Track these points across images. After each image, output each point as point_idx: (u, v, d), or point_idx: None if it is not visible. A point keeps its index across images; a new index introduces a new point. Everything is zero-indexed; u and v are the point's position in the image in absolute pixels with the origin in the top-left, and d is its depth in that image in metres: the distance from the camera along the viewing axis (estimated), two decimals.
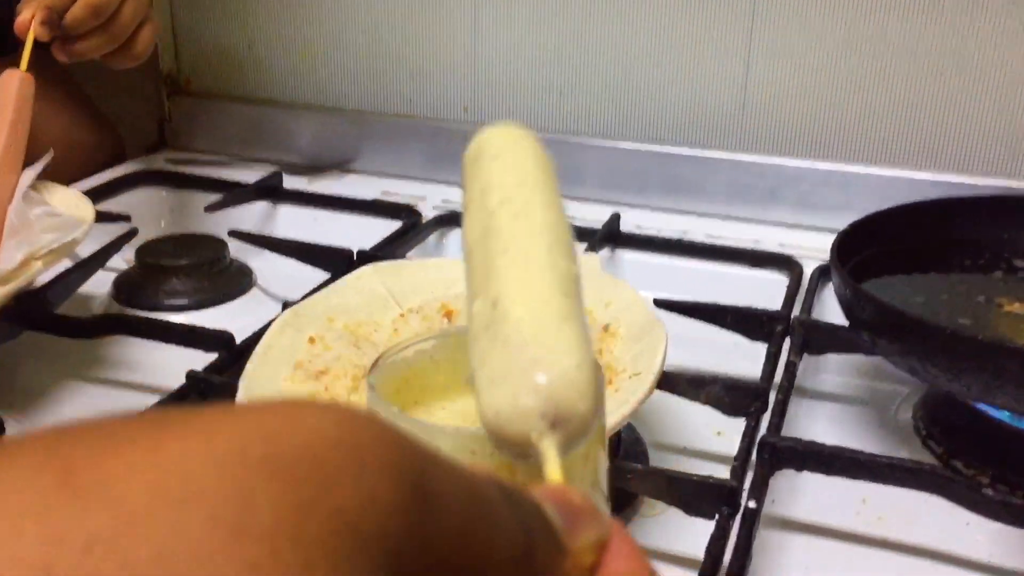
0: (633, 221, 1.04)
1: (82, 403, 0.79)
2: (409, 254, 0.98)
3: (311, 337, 0.68)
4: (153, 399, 0.79)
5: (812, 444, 0.62)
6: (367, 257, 0.89)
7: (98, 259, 0.85)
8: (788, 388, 0.71)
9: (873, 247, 0.80)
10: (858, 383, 0.83)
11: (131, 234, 0.91)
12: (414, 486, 0.19)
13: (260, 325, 0.81)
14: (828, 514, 0.66)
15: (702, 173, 1.06)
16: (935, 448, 0.72)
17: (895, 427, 0.76)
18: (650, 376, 0.62)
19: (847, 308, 0.73)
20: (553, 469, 0.28)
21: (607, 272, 0.78)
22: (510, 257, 0.34)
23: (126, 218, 0.99)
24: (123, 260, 0.97)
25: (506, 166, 0.38)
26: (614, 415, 0.58)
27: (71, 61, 0.86)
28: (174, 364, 0.78)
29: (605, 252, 0.98)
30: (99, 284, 0.94)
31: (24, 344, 0.81)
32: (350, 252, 0.90)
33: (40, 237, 0.75)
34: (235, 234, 0.96)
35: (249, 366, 0.63)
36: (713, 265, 0.97)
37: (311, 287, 0.91)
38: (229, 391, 0.67)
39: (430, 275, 0.78)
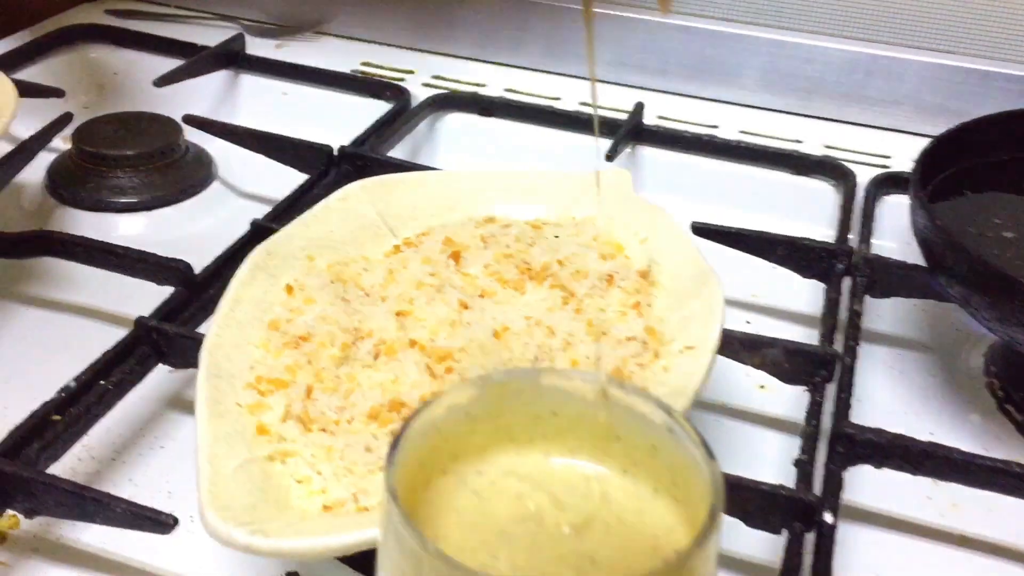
0: (655, 110, 0.90)
1: (11, 331, 0.67)
2: (397, 148, 0.84)
3: (288, 285, 0.55)
4: (99, 327, 0.67)
5: (899, 439, 0.52)
6: (349, 158, 0.75)
7: (20, 158, 0.70)
8: (853, 349, 0.60)
9: (957, 163, 0.67)
10: (917, 320, 0.72)
11: (64, 121, 0.75)
12: None
13: (223, 230, 0.69)
14: (894, 501, 0.56)
15: (736, 54, 0.91)
16: (1016, 415, 0.62)
17: (965, 379, 0.66)
18: (707, 353, 0.51)
19: (929, 250, 0.61)
20: None
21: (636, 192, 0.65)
22: None
23: (58, 92, 0.83)
24: (59, 139, 0.82)
25: None
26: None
27: None
28: (121, 285, 0.65)
29: (627, 152, 0.85)
30: (32, 170, 0.79)
31: None
32: (329, 149, 0.76)
33: None
34: (192, 120, 0.81)
35: (213, 329, 0.51)
36: (749, 168, 0.84)
37: (282, 182, 0.77)
38: (186, 348, 0.54)
39: (430, 193, 0.65)
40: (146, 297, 0.62)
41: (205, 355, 0.49)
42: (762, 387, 0.65)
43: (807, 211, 0.81)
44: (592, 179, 0.66)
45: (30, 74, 0.89)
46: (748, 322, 0.72)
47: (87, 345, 0.57)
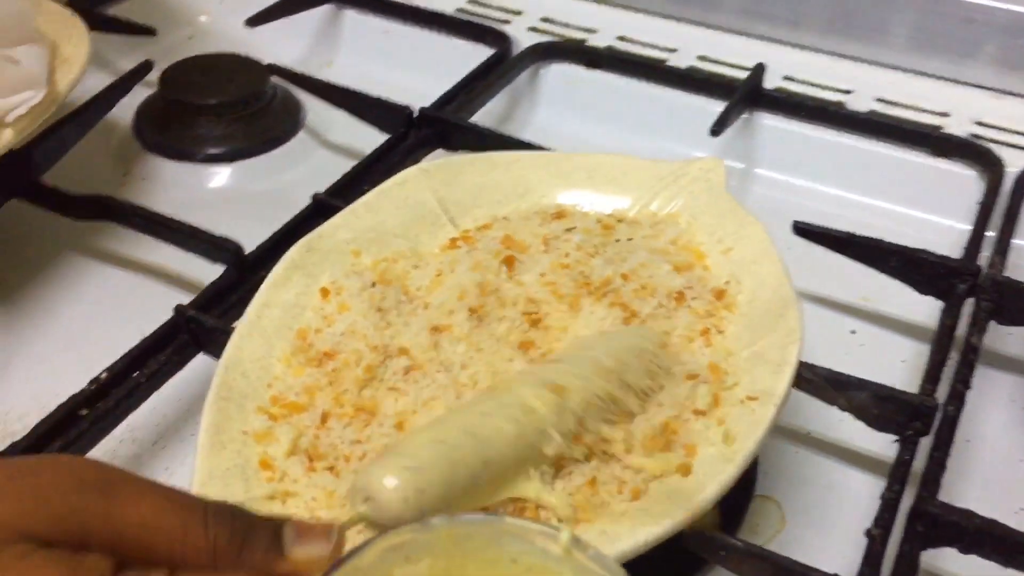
0: (782, 67, 0.81)
1: (78, 288, 0.66)
2: (493, 100, 0.78)
3: (324, 288, 0.52)
4: (160, 290, 0.66)
5: (992, 526, 0.44)
6: (429, 120, 0.70)
7: (97, 110, 0.68)
8: (961, 395, 0.52)
9: None
10: None
11: (144, 69, 0.73)
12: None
13: (308, 183, 0.65)
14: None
15: (883, 7, 0.80)
16: None
17: None
18: (769, 410, 0.44)
19: None
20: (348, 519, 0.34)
21: (733, 195, 0.57)
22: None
23: (149, 31, 0.81)
24: (146, 85, 0.80)
25: None
26: (711, 485, 0.41)
27: None
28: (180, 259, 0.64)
29: (743, 118, 0.76)
30: (122, 109, 0.77)
31: (10, 214, 0.67)
32: (408, 112, 0.71)
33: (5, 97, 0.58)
34: (276, 71, 0.77)
35: (234, 340, 0.48)
36: (880, 146, 0.74)
37: (370, 134, 0.73)
38: (223, 341, 0.52)
39: (499, 177, 0.60)
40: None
41: (219, 373, 0.46)
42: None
43: (943, 201, 0.71)
44: (681, 170, 0.59)
45: (122, 10, 0.87)
46: (853, 331, 0.64)
47: (156, 310, 0.56)
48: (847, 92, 0.79)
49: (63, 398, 0.51)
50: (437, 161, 0.59)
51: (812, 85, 0.80)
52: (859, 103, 0.78)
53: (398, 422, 0.45)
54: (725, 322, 0.51)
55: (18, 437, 0.49)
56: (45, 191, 0.65)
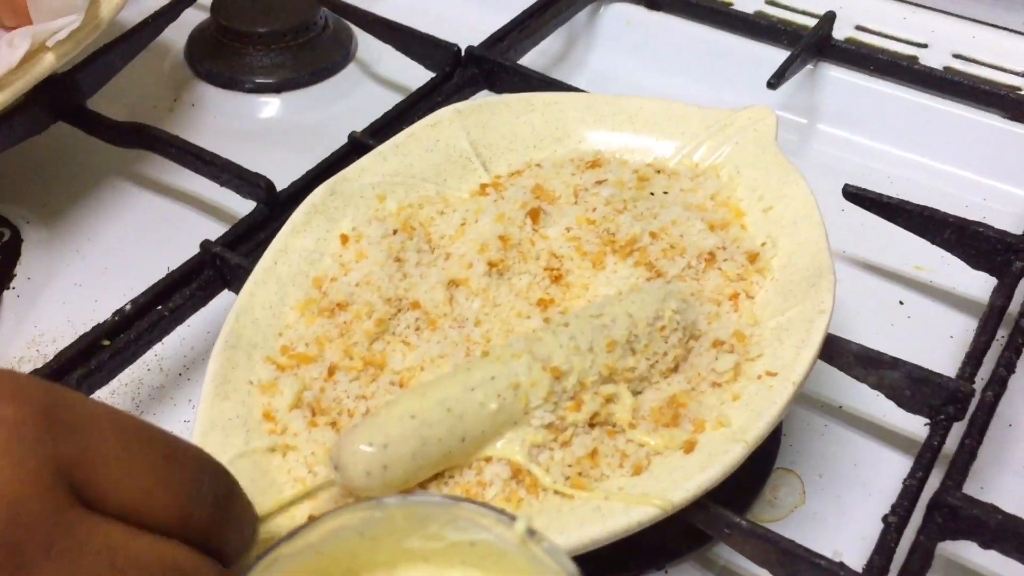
0: (855, 16, 0.76)
1: (118, 214, 0.67)
2: (547, 40, 0.75)
3: (343, 234, 0.51)
4: (197, 220, 0.66)
5: (1014, 522, 0.42)
6: (476, 60, 0.68)
7: (144, 36, 0.68)
8: (1003, 380, 0.49)
9: None
10: None
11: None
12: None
13: (351, 117, 0.65)
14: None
15: None
16: None
17: None
18: (787, 387, 0.43)
19: None
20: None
21: (783, 152, 0.54)
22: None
23: None
24: (199, 8, 0.79)
25: None
26: (713, 466, 0.40)
27: None
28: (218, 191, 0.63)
29: (807, 69, 0.72)
30: (175, 34, 0.77)
31: (57, 137, 0.67)
32: (455, 50, 0.69)
33: (47, 22, 0.58)
34: (326, 1, 0.75)
35: (247, 287, 0.48)
36: (952, 106, 0.70)
37: (419, 72, 0.72)
38: (244, 280, 0.52)
39: (535, 120, 0.58)
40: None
41: (230, 320, 0.46)
42: None
43: (1013, 168, 0.67)
44: (729, 118, 0.56)
45: None
46: (901, 302, 0.61)
47: (192, 238, 0.55)
48: (923, 46, 0.75)
49: (94, 324, 0.52)
50: (472, 101, 0.58)
51: (885, 37, 0.76)
52: (934, 58, 0.73)
53: (401, 380, 0.44)
54: (756, 287, 0.49)
55: (50, 359, 0.50)
56: (89, 116, 0.65)
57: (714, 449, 0.41)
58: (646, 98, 0.58)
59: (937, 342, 0.58)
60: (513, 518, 0.26)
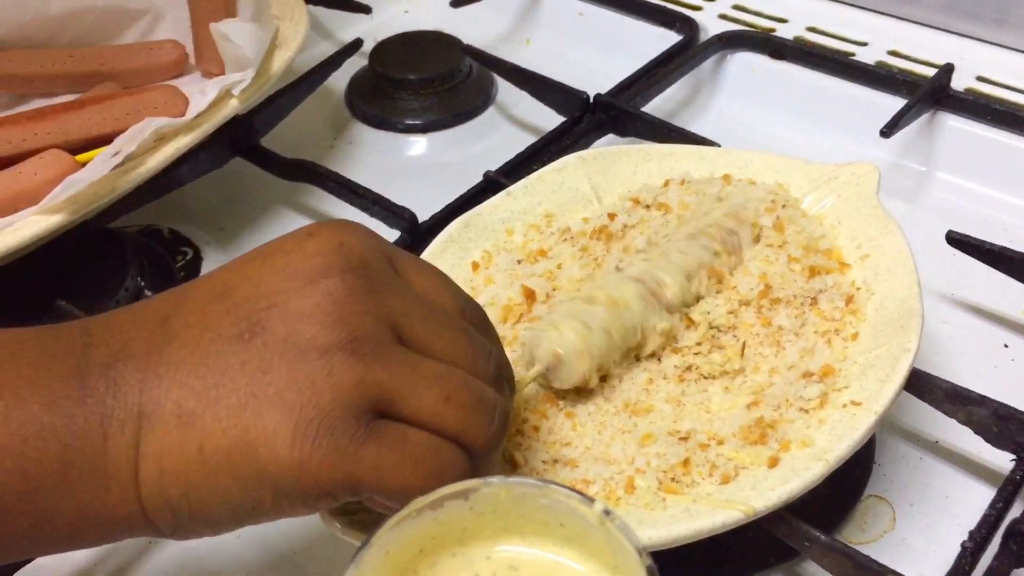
0: (977, 67, 0.79)
1: None
2: (671, 89, 0.81)
3: (475, 262, 0.57)
4: None
5: None
6: (603, 107, 0.74)
7: (311, 83, 0.77)
8: None
9: None
10: None
11: (354, 47, 0.81)
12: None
13: (489, 156, 0.73)
14: None
15: None
16: None
17: None
18: (869, 417, 0.47)
19: None
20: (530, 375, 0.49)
21: (883, 204, 0.58)
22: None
23: (365, 9, 0.89)
24: (361, 56, 0.88)
25: None
26: (794, 480, 0.44)
27: None
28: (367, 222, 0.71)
29: (926, 118, 0.75)
30: (337, 80, 0.86)
31: (234, 171, 0.77)
32: (585, 97, 0.75)
33: (232, 73, 0.68)
34: (469, 51, 0.83)
35: None
36: None
37: (552, 115, 0.78)
38: None
39: (652, 169, 0.63)
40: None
41: None
42: None
43: None
44: (834, 172, 0.60)
45: None
46: (1006, 345, 0.64)
47: None
48: None
49: None
50: (594, 151, 0.64)
51: (1008, 88, 0.78)
52: None
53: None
54: (849, 327, 0.53)
55: None
56: (263, 152, 0.74)
57: (797, 465, 0.45)
58: (755, 151, 0.63)
59: None
60: (592, 500, 0.31)
